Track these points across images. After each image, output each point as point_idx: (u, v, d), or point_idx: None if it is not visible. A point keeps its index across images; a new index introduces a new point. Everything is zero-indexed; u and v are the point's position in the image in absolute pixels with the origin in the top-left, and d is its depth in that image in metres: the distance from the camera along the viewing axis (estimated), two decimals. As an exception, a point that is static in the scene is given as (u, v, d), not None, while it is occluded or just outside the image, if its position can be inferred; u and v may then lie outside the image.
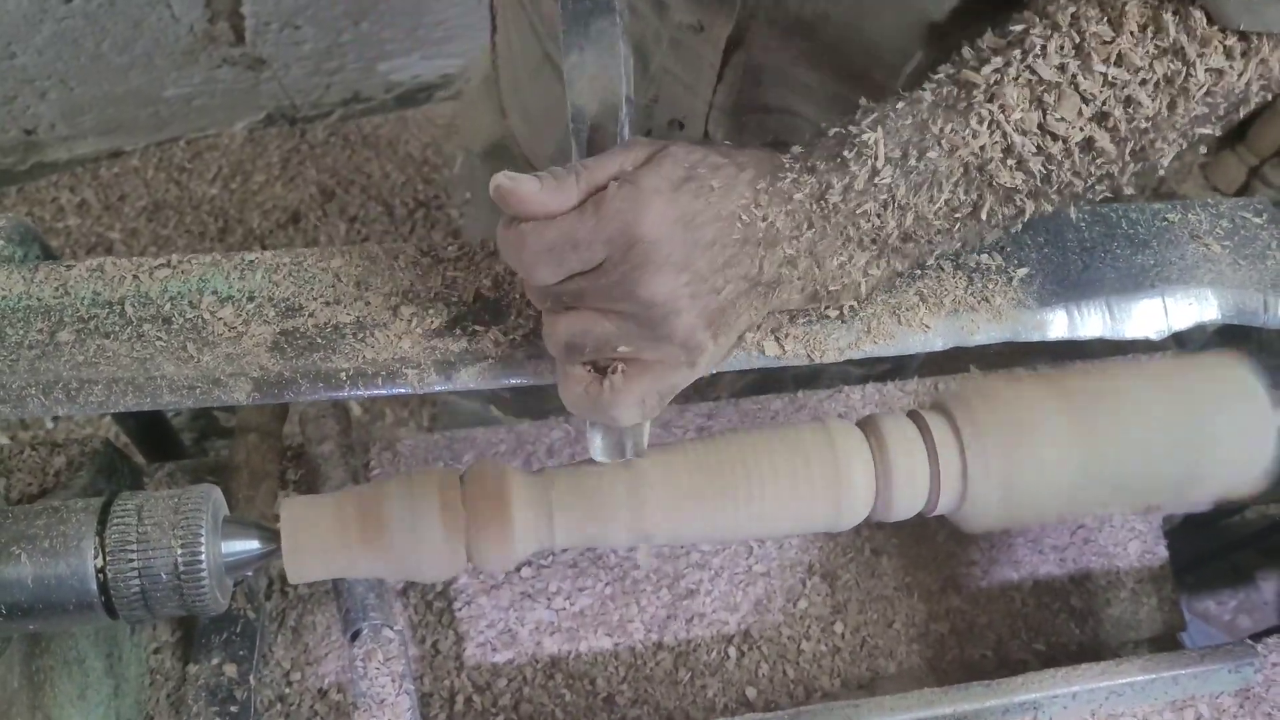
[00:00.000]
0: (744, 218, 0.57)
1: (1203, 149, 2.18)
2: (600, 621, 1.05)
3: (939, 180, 0.59)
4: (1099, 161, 0.60)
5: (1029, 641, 1.10)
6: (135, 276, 0.68)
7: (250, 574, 0.82)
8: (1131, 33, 0.58)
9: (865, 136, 0.59)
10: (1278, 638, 0.91)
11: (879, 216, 0.59)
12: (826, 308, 0.65)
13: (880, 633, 1.08)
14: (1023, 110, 0.58)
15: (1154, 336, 0.70)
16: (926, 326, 0.69)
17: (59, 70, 1.90)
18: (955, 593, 1.10)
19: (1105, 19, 0.58)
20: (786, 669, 1.06)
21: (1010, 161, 0.59)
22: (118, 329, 0.66)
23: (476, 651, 1.03)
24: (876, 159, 0.58)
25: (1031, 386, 0.68)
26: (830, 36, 0.75)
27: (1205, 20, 0.58)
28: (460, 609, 1.03)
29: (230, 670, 0.87)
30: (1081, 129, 0.58)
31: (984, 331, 0.69)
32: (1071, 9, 0.59)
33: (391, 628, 0.87)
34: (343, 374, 0.65)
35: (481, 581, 1.04)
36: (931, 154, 0.58)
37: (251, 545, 0.64)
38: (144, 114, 2.08)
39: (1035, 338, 0.69)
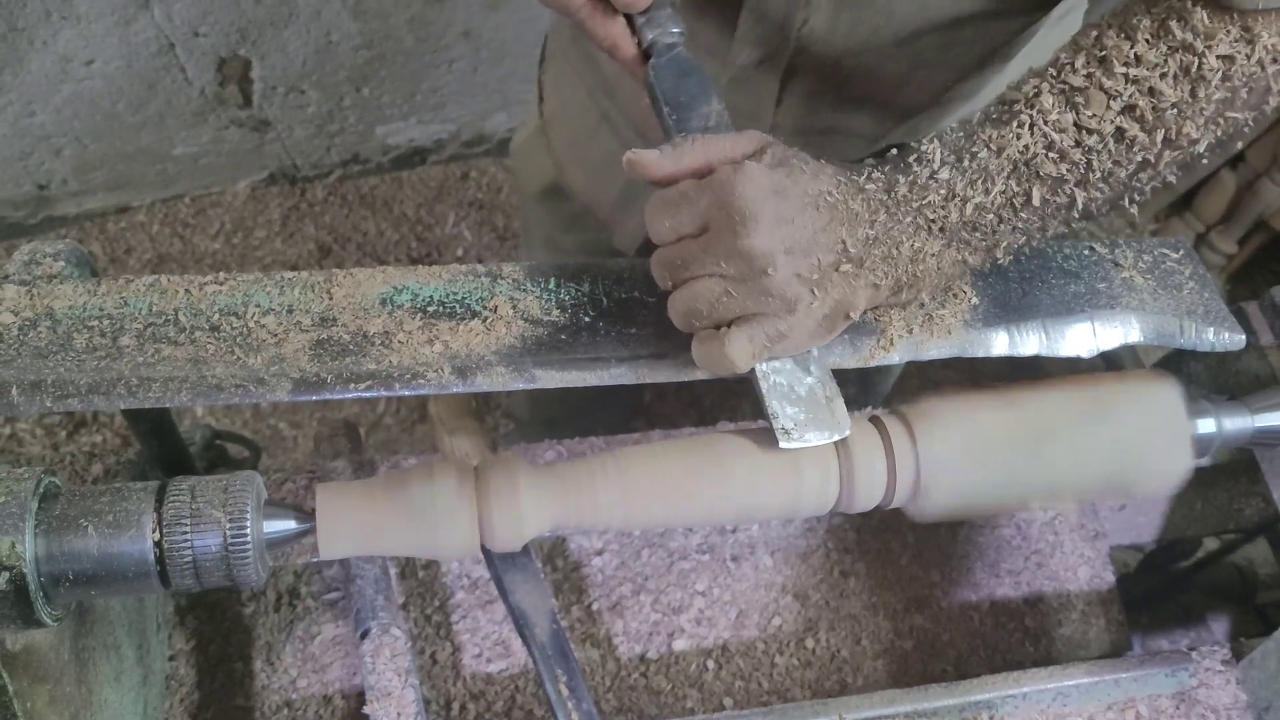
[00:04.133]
0: (827, 198, 0.69)
1: (1152, 222, 2.31)
2: (588, 635, 1.12)
3: (990, 175, 0.71)
4: (1135, 148, 0.71)
5: (987, 658, 1.17)
6: (187, 291, 0.77)
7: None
8: (1146, 40, 0.70)
9: (925, 148, 0.72)
10: (1210, 647, 1.00)
11: (942, 207, 0.71)
12: (906, 297, 0.76)
13: (848, 648, 1.15)
14: (1059, 112, 0.70)
15: (1085, 355, 0.80)
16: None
17: (75, 128, 1.99)
18: (918, 612, 1.17)
19: (1123, 34, 0.71)
20: (761, 681, 1.13)
21: (1053, 155, 0.71)
22: (173, 335, 0.74)
23: (472, 662, 1.10)
24: (934, 161, 0.71)
25: (978, 396, 0.77)
26: (870, 65, 0.89)
27: (1206, 17, 0.69)
28: (457, 621, 1.10)
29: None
30: (1112, 121, 0.70)
31: (935, 348, 0.78)
32: (1094, 33, 0.72)
33: (399, 627, 0.94)
34: (371, 376, 0.73)
35: (477, 596, 1.11)
36: (981, 154, 0.71)
37: (289, 525, 0.71)
38: (152, 171, 2.16)
39: (980, 354, 0.79)
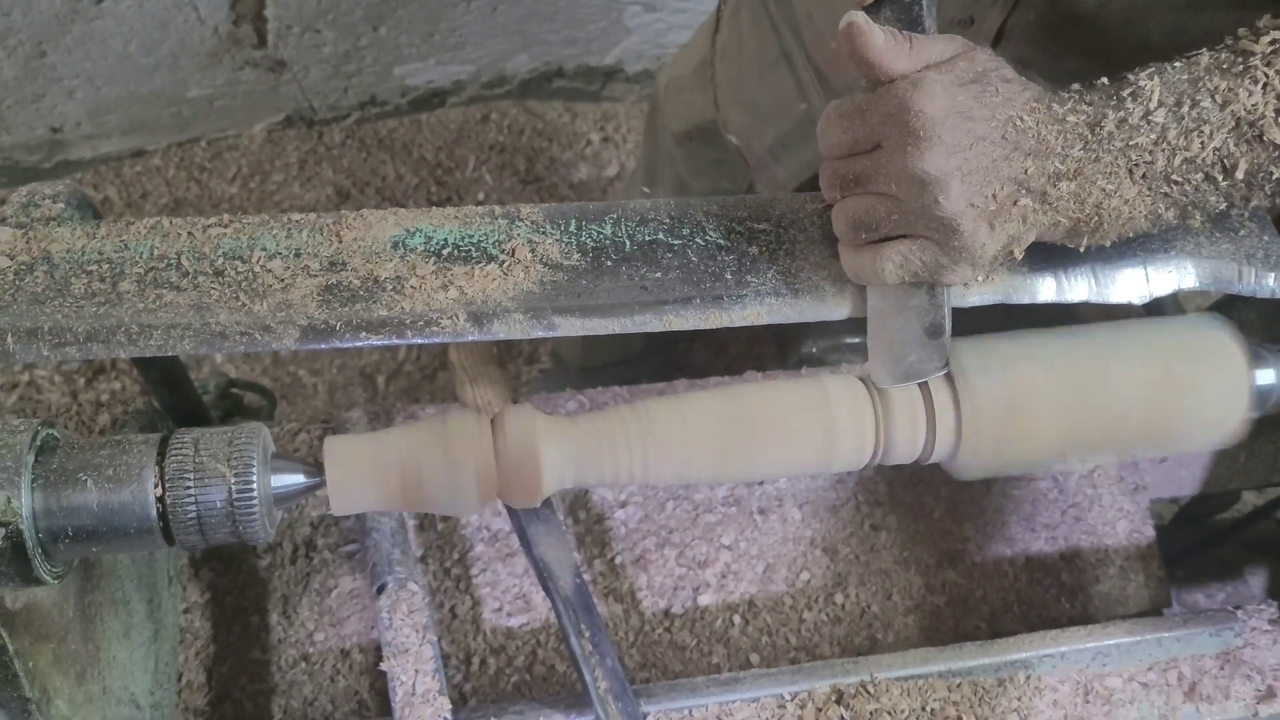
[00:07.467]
0: (1016, 124, 0.64)
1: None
2: (611, 589, 1.10)
3: (1209, 129, 0.65)
4: None
5: (1021, 615, 1.14)
6: (190, 234, 0.73)
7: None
8: None
9: (1142, 83, 0.67)
10: (1256, 604, 0.96)
11: (1149, 152, 0.66)
12: (1087, 242, 0.70)
13: (879, 604, 1.12)
14: None
15: (1136, 301, 0.75)
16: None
17: (87, 70, 1.95)
18: (951, 567, 1.14)
19: None
20: (789, 636, 1.10)
21: None
22: (175, 280, 0.71)
23: (492, 616, 1.07)
24: (1150, 101, 0.66)
25: (1022, 343, 0.73)
26: (1107, 25, 0.82)
27: None
28: (478, 575, 1.08)
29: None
30: None
31: (978, 293, 0.74)
32: None
33: (416, 582, 0.92)
34: (382, 323, 0.70)
35: (498, 549, 1.08)
36: (1205, 104, 0.65)
37: (297, 479, 0.69)
38: (167, 114, 2.12)
39: (1025, 300, 0.74)
